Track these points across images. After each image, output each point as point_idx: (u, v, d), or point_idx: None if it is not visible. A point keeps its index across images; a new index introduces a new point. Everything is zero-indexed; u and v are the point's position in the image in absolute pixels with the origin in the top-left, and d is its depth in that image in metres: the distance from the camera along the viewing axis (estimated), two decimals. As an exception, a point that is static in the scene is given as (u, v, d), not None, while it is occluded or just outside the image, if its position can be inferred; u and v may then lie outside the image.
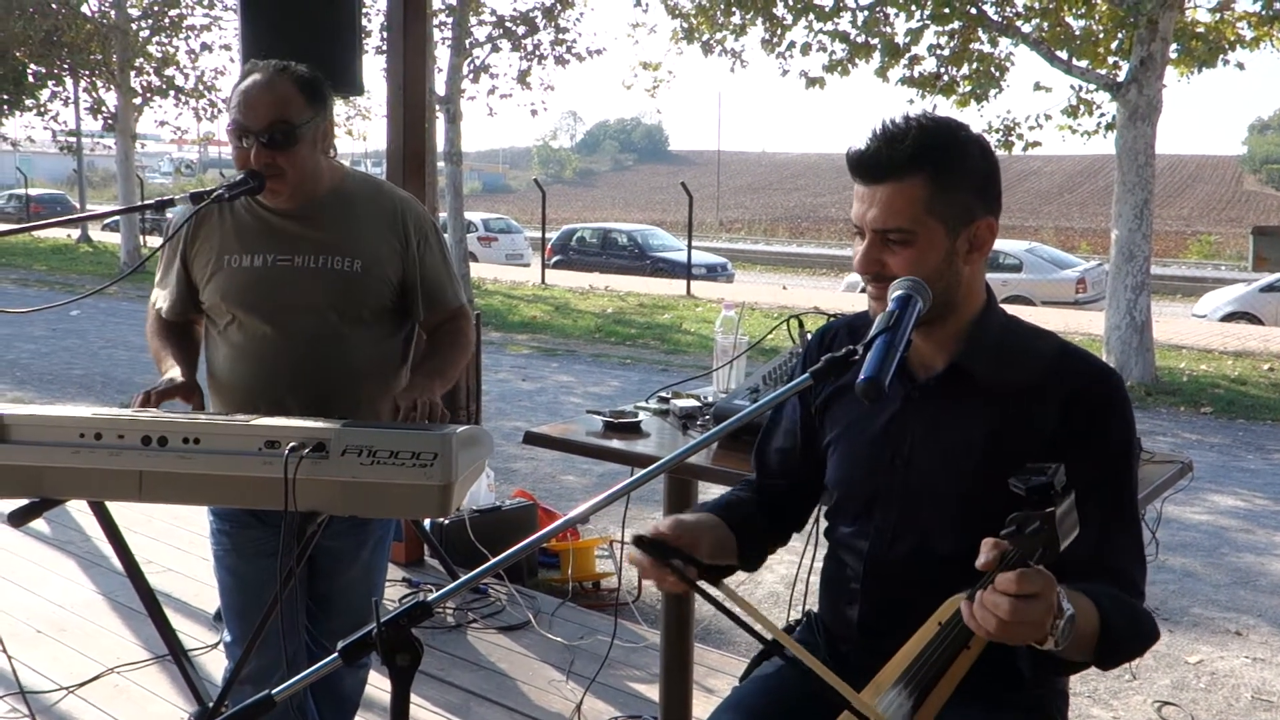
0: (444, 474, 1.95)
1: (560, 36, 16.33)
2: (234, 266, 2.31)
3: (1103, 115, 11.40)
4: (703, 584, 1.50)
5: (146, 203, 2.30)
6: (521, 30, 16.07)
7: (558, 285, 18.95)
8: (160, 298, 2.44)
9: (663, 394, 2.84)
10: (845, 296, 17.82)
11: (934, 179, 1.53)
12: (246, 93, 2.20)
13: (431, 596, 1.35)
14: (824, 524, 1.83)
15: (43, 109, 21.90)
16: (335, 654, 1.32)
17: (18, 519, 2.07)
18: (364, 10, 14.70)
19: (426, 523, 4.53)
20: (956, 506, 1.59)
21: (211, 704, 2.56)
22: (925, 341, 1.64)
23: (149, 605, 2.42)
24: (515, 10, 16.16)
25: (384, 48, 9.81)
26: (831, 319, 1.89)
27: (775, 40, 12.02)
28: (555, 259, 23.03)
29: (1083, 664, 1.45)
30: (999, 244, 20.58)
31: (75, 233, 27.22)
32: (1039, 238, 28.66)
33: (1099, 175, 56.70)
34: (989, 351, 1.61)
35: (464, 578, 1.36)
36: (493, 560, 1.36)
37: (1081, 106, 11.32)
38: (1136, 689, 3.96)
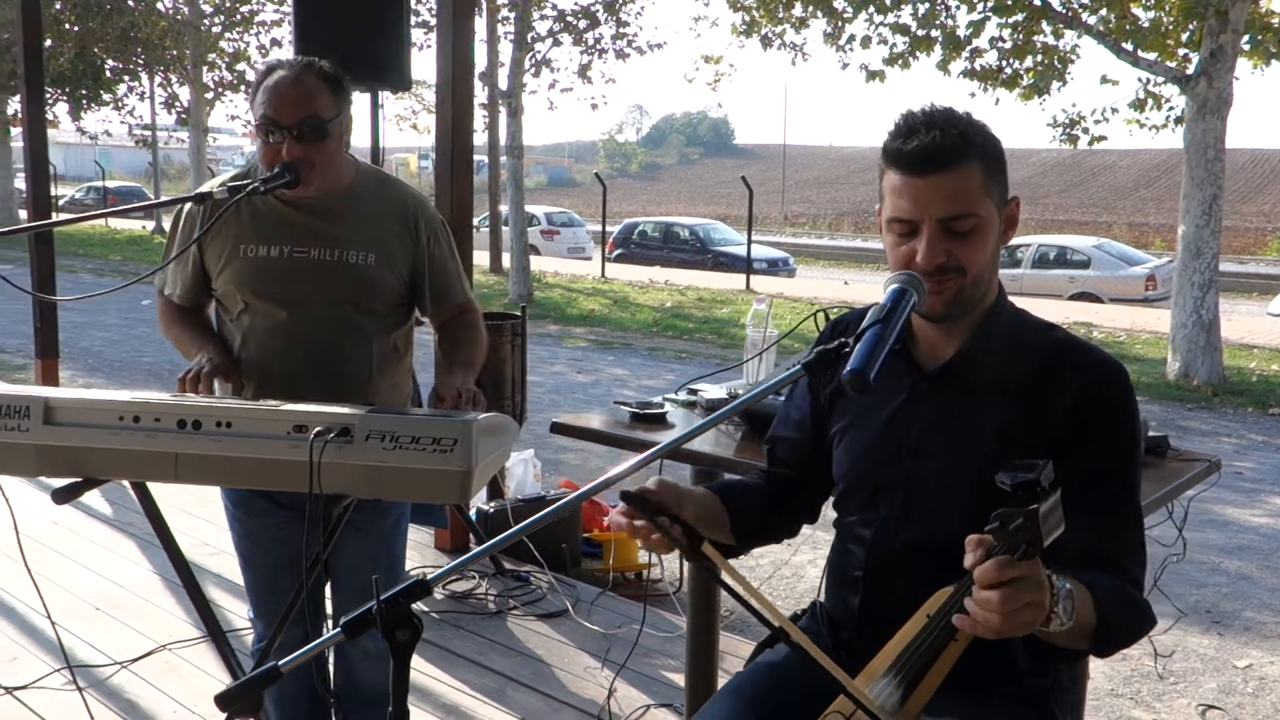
0: (464, 460, 1.99)
1: (621, 30, 16.39)
2: (250, 256, 2.37)
3: (1172, 109, 11.18)
4: (693, 548, 1.51)
5: (184, 196, 2.38)
6: (583, 24, 16.14)
7: (618, 279, 19.02)
8: (169, 284, 2.49)
9: (692, 386, 2.87)
10: (907, 292, 17.61)
11: (983, 161, 1.57)
12: (276, 89, 2.25)
13: (431, 575, 1.39)
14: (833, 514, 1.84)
15: (119, 103, 22.50)
16: (338, 629, 1.37)
17: (62, 496, 2.17)
18: (414, 6, 14.92)
19: (472, 511, 4.61)
20: (962, 497, 1.60)
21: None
22: (937, 331, 1.65)
23: (188, 584, 2.51)
24: (577, 4, 16.25)
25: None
26: (846, 311, 1.90)
27: (836, 33, 11.95)
28: (617, 253, 23.11)
29: (1081, 652, 1.46)
30: (1065, 239, 20.11)
31: (150, 224, 27.93)
32: (1111, 234, 28.13)
33: (1177, 169, 55.24)
34: (998, 343, 1.62)
35: (460, 559, 1.41)
36: (489, 541, 1.41)
37: (1150, 100, 11.08)
38: (1181, 692, 3.91)
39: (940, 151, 1.54)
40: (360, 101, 4.61)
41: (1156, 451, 2.39)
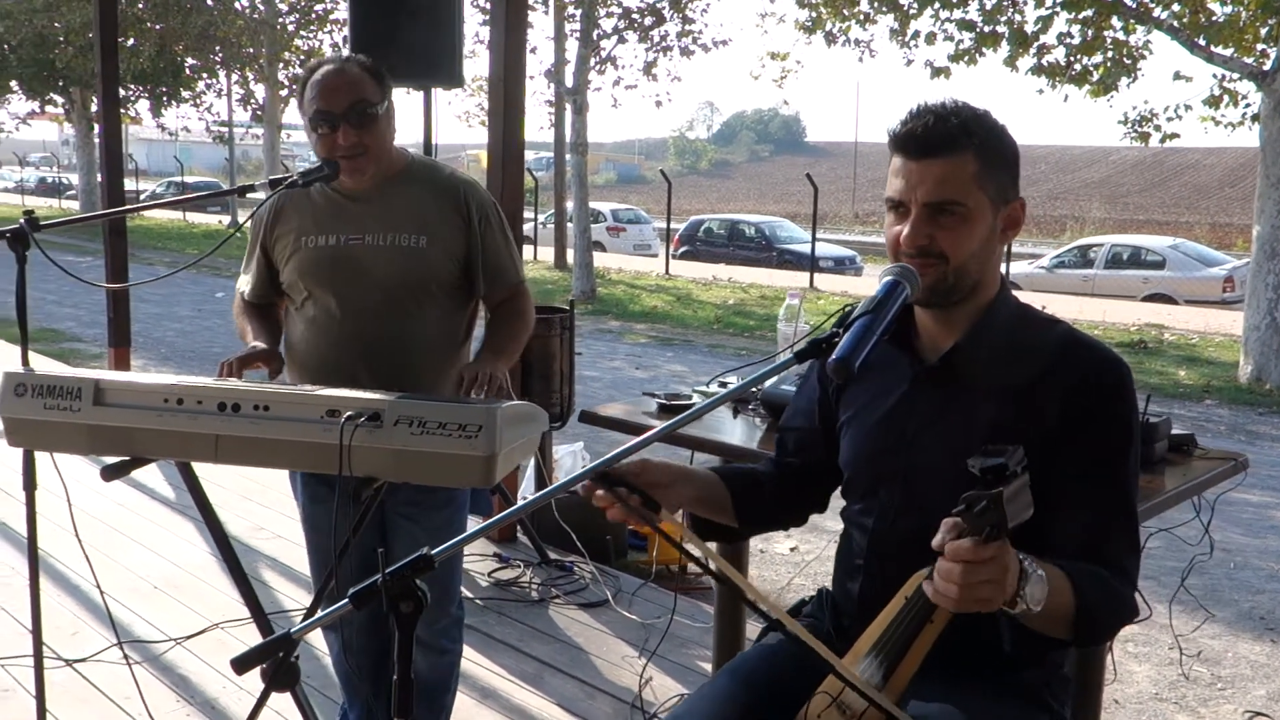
0: (487, 445, 2.06)
1: (686, 27, 16.41)
2: (310, 246, 2.48)
3: (1248, 105, 10.90)
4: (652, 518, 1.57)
5: (229, 189, 2.49)
6: (648, 21, 16.20)
7: (681, 276, 19.06)
8: (243, 282, 2.64)
9: (723, 378, 2.91)
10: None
11: (981, 154, 1.59)
12: (323, 82, 2.36)
13: (434, 550, 1.45)
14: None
15: (197, 100, 23.11)
16: (345, 600, 1.44)
17: (110, 473, 2.28)
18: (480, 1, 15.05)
19: (519, 501, 4.69)
20: (958, 488, 1.62)
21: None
22: (937, 323, 1.68)
23: (230, 561, 2.61)
24: (643, 1, 16.30)
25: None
26: (859, 302, 1.93)
27: (902, 29, 11.86)
28: (682, 250, 23.15)
29: (1064, 642, 1.48)
30: (1140, 239, 19.53)
31: (226, 218, 28.65)
32: (1192, 234, 27.50)
33: (1263, 169, 53.67)
34: (997, 337, 1.64)
35: (462, 535, 1.46)
36: (489, 521, 1.46)
37: (1225, 96, 10.83)
38: (1228, 698, 3.85)
39: (934, 137, 1.57)
40: (416, 99, 4.72)
41: (1182, 449, 2.38)
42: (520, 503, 4.63)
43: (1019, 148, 1.67)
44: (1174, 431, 2.37)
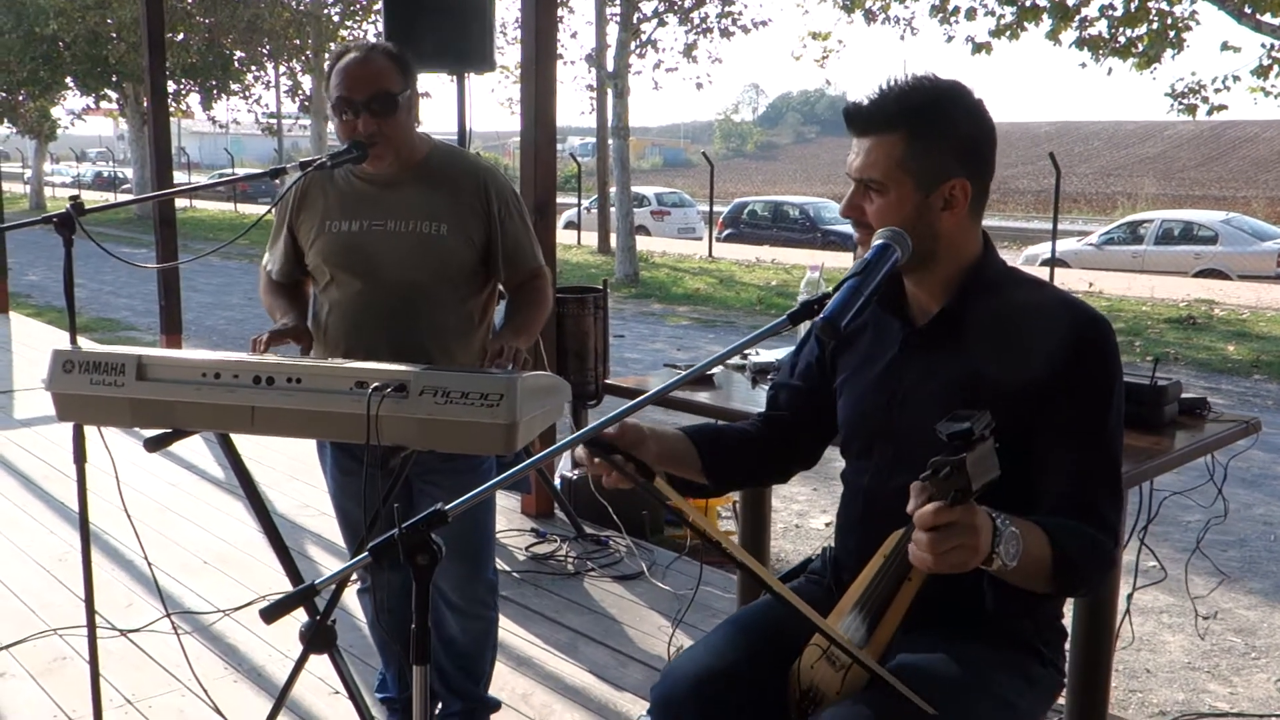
0: (508, 414, 2.13)
1: (726, 9, 16.39)
2: (334, 231, 2.56)
3: (1298, 75, 10.70)
4: (646, 482, 1.64)
5: (259, 171, 2.58)
6: (688, 3, 16.20)
7: (724, 258, 19.06)
8: (269, 261, 2.72)
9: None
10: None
11: (910, 138, 1.63)
12: (347, 69, 2.44)
13: (448, 506, 1.53)
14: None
15: (246, 92, 23.43)
16: (365, 553, 1.52)
17: (152, 445, 2.39)
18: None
19: (556, 479, 4.79)
20: (944, 447, 1.67)
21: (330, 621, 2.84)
22: (918, 288, 1.74)
23: (270, 536, 2.72)
24: (683, -17, 16.31)
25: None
26: None
27: (943, 5, 11.77)
28: (726, 232, 23.15)
29: (1047, 594, 1.52)
30: (1191, 214, 19.18)
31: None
32: (1249, 209, 26.98)
33: (1330, 139, 52.40)
34: (981, 299, 1.68)
35: (476, 490, 1.54)
36: (497, 479, 1.54)
37: (1274, 66, 10.63)
38: (1261, 667, 3.85)
39: (865, 116, 1.65)
40: (451, 86, 4.81)
41: (1194, 412, 2.40)
42: (553, 478, 4.73)
43: (992, 126, 1.67)
44: (1186, 395, 2.39)
